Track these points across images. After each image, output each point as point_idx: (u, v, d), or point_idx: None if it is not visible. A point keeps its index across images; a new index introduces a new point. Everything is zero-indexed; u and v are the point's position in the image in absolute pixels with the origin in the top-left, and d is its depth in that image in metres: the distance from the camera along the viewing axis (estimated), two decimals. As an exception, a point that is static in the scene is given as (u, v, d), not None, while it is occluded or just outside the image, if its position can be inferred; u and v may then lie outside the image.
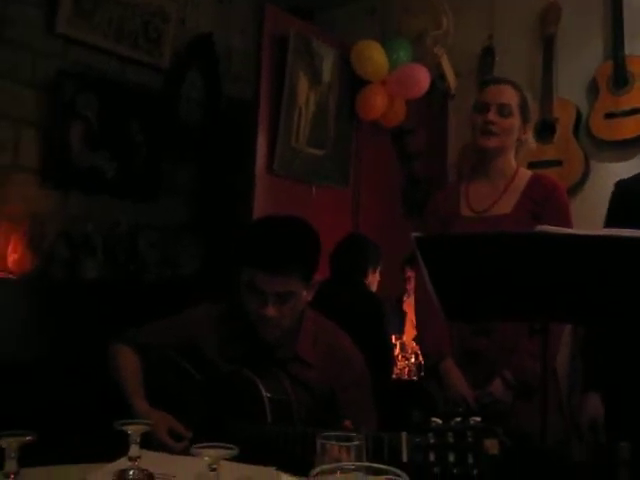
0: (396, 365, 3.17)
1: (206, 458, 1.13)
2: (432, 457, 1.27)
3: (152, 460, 1.35)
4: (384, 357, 2.94)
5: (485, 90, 2.22)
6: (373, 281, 3.11)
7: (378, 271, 3.13)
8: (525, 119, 2.20)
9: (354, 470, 0.83)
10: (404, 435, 1.40)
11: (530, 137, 2.25)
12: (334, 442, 1.05)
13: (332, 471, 0.81)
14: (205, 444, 1.16)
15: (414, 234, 1.64)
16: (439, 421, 1.30)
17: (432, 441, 1.28)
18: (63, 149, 3.45)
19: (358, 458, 1.13)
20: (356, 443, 1.05)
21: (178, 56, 3.95)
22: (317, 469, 0.80)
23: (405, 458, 1.38)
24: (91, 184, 3.57)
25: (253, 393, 1.77)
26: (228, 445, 1.16)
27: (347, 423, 1.58)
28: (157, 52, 3.84)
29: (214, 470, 1.13)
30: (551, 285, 1.49)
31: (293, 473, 1.55)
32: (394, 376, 3.11)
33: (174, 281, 3.72)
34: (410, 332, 3.34)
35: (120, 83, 3.70)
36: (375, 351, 2.81)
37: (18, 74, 3.34)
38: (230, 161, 3.78)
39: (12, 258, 3.23)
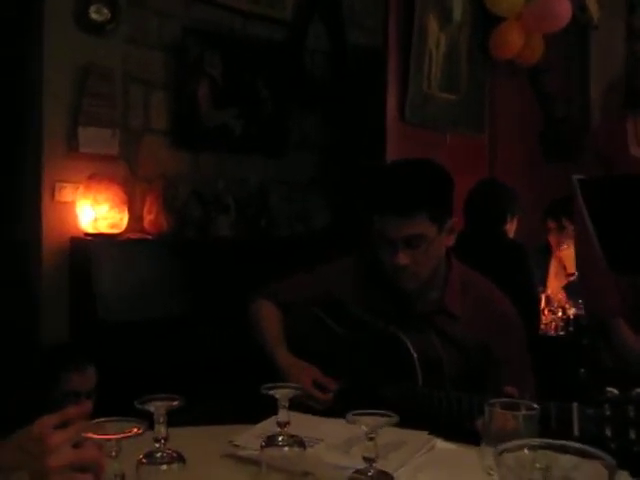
0: (541, 320, 2.99)
1: (363, 427, 1.05)
2: (609, 432, 1.14)
3: (299, 422, 1.29)
4: (531, 311, 2.76)
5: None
6: (511, 229, 2.93)
7: (516, 219, 2.94)
8: None
9: (543, 448, 0.72)
10: (575, 406, 1.27)
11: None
12: (507, 410, 0.94)
13: (518, 448, 0.70)
14: (361, 411, 1.08)
15: (576, 176, 1.47)
16: (615, 391, 1.16)
17: (608, 413, 1.15)
18: (192, 109, 3.45)
19: (529, 428, 1.02)
20: (532, 413, 0.94)
21: (300, 7, 3.85)
22: (502, 447, 0.70)
23: (576, 431, 1.26)
24: (220, 142, 3.57)
25: (401, 351, 1.68)
26: (387, 412, 1.08)
27: (509, 389, 1.46)
28: (279, 5, 3.76)
29: (372, 440, 1.04)
30: None
31: (447, 438, 1.46)
32: (540, 332, 2.93)
33: (305, 236, 3.69)
34: (554, 284, 3.15)
35: (244, 39, 3.65)
36: (521, 305, 2.66)
37: (145, 37, 3.36)
38: (359, 112, 3.67)
39: (148, 219, 3.29)
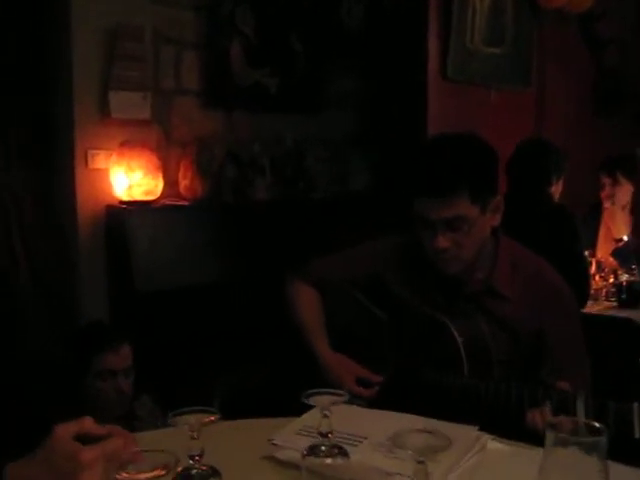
0: (591, 286, 2.85)
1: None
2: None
3: (342, 416, 1.22)
4: (579, 281, 2.63)
5: None
6: (557, 191, 2.78)
7: (562, 181, 2.79)
8: None
9: None
10: (636, 406, 1.18)
11: None
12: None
13: None
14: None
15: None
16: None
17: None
18: (224, 68, 3.33)
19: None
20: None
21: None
22: None
23: (638, 433, 1.17)
24: (254, 102, 3.45)
25: (445, 336, 1.60)
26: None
27: (562, 384, 1.37)
28: (312, -47, 3.57)
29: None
30: None
31: (498, 435, 1.38)
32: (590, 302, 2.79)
33: (343, 197, 3.59)
34: (604, 247, 3.01)
35: (276, -8, 3.49)
36: (567, 273, 2.53)
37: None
38: (398, 66, 3.50)
39: (183, 184, 3.21)
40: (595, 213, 3.18)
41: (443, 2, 2.91)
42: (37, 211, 2.95)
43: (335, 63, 3.67)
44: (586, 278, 2.71)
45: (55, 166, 3.04)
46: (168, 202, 3.14)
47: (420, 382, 1.57)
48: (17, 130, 2.91)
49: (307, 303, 1.84)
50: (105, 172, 3.03)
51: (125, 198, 3.00)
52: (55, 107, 3.02)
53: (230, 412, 2.85)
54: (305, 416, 1.44)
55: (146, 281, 2.94)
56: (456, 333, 1.56)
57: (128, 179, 2.97)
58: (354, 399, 1.68)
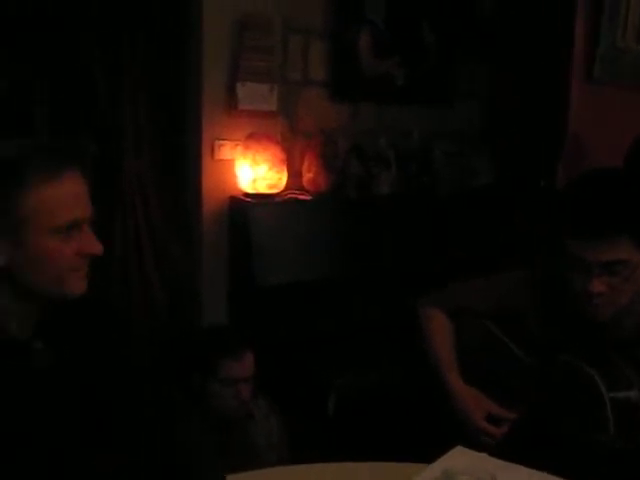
0: None
1: None
2: None
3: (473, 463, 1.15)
4: None
5: None
6: None
7: None
8: None
9: None
10: None
11: None
12: None
13: None
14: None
15: None
16: None
17: None
18: (352, 59, 3.25)
19: None
20: None
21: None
22: None
23: None
24: (382, 94, 3.36)
25: (588, 387, 1.48)
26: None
27: None
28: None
29: None
30: None
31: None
32: None
33: (469, 194, 3.45)
34: None
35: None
36: None
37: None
38: (536, 63, 3.30)
39: (307, 177, 3.17)
40: None
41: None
42: (164, 197, 2.98)
43: (467, 55, 3.51)
44: None
45: (184, 156, 3.07)
46: (291, 194, 3.11)
47: (558, 433, 1.47)
48: (149, 118, 2.94)
49: (439, 331, 1.76)
50: (231, 163, 3.04)
51: (249, 191, 3.00)
52: (185, 97, 3.03)
53: (345, 412, 2.84)
54: (444, 458, 1.38)
55: (266, 276, 2.93)
56: (603, 387, 1.45)
57: (253, 172, 2.97)
58: (482, 436, 1.61)
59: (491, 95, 3.57)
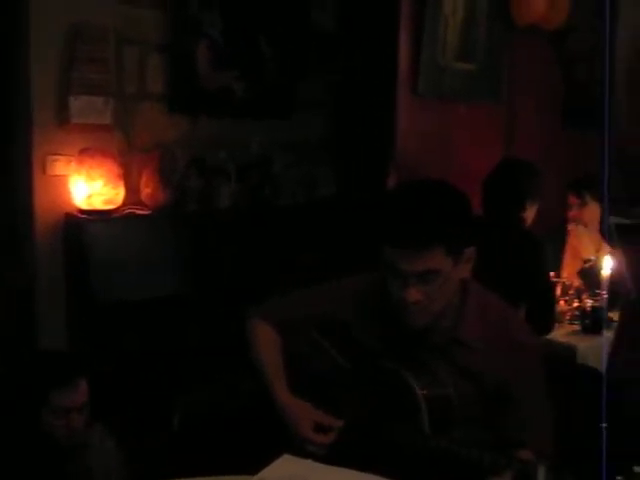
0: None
1: None
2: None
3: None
4: (543, 309, 2.62)
5: None
6: (530, 216, 2.73)
7: (536, 205, 2.75)
8: None
9: None
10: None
11: None
12: None
13: None
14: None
15: None
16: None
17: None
18: (190, 72, 3.23)
19: None
20: None
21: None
22: None
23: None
24: (220, 106, 3.36)
25: (404, 388, 1.56)
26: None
27: (524, 453, 1.34)
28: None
29: None
30: None
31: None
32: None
33: (310, 205, 3.52)
34: (571, 266, 3.00)
35: (245, -7, 3.39)
36: (532, 302, 2.52)
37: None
38: (368, 78, 3.42)
39: (145, 192, 3.12)
40: (561, 232, 3.16)
41: (414, 16, 2.84)
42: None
43: (305, 67, 3.58)
44: (550, 309, 2.69)
45: (13, 171, 2.93)
46: (129, 210, 3.05)
47: (376, 437, 1.54)
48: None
49: (266, 343, 1.79)
50: (64, 179, 2.95)
51: (85, 207, 2.91)
52: (13, 110, 2.90)
53: (190, 430, 2.82)
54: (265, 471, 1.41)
55: (105, 293, 2.87)
56: (417, 387, 1.52)
57: (88, 188, 2.89)
58: (310, 445, 1.64)
59: (334, 106, 3.65)
